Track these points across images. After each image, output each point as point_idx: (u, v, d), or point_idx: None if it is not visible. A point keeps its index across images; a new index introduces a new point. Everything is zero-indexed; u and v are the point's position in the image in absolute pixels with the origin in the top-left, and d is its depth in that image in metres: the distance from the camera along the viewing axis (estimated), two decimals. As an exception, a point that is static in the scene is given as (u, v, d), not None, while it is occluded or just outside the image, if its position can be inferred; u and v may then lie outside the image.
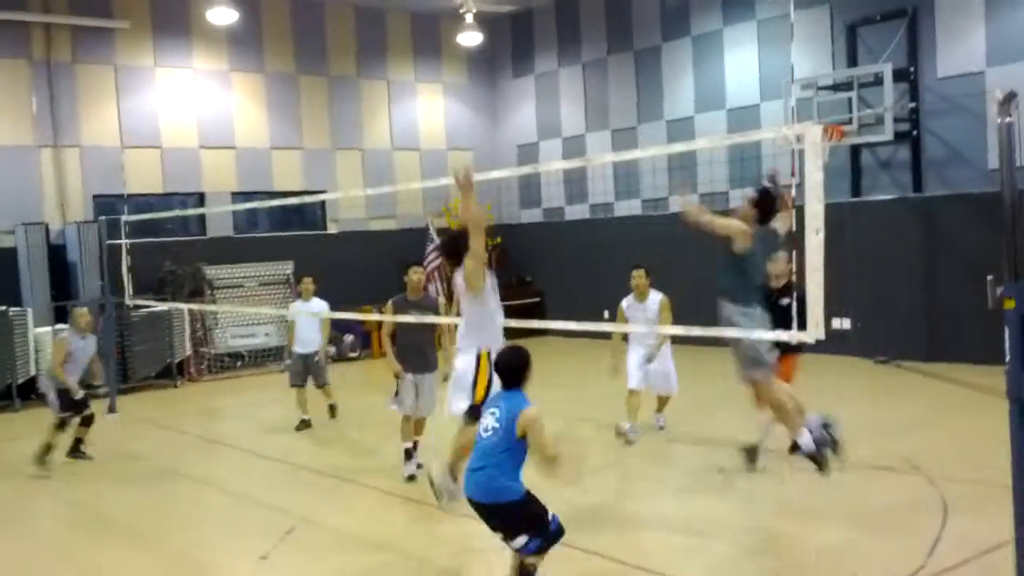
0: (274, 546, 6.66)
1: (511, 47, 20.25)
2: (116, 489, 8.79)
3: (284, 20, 18.12)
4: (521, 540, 4.96)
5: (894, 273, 13.50)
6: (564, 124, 19.16)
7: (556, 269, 18.66)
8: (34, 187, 15.48)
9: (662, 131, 17.13)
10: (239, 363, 16.28)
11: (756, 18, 15.68)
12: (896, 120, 13.21)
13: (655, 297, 9.19)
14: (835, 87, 14.03)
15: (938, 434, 9.27)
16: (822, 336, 5.26)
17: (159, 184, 16.65)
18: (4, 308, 13.31)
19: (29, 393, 12.98)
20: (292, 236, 17.50)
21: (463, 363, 6.34)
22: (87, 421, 9.70)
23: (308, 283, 11.14)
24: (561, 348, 15.42)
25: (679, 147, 8.19)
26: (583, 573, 5.91)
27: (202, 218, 16.91)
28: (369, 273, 16.08)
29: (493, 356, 5.86)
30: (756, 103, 15.64)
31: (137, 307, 13.33)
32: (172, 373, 14.96)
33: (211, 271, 16.05)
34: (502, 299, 6.81)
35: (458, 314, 6.79)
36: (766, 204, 7.02)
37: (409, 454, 8.33)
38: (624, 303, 9.32)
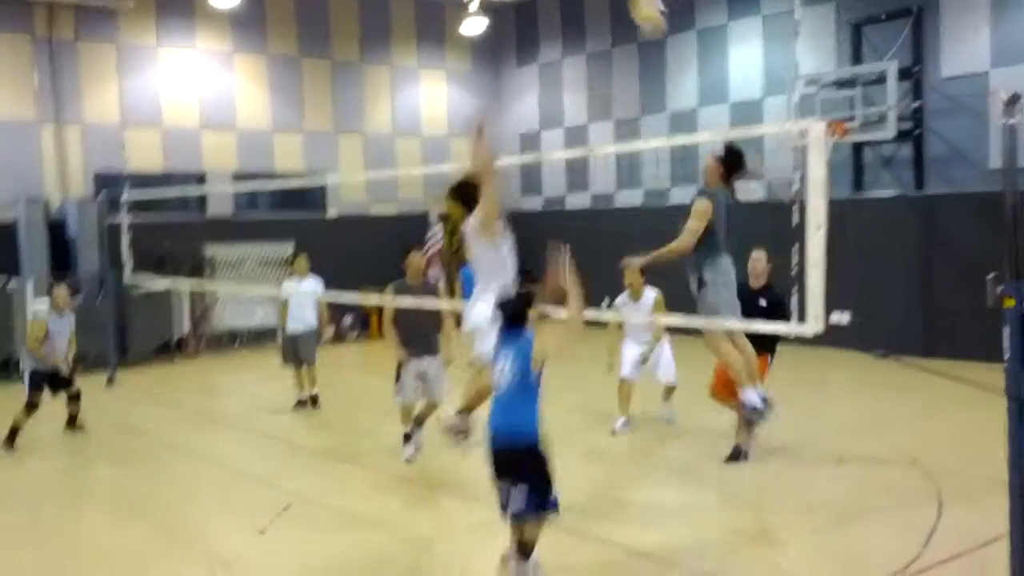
0: (271, 522, 6.69)
1: (515, 36, 20.21)
2: (112, 463, 8.83)
3: (288, 3, 18.06)
4: (522, 490, 4.93)
5: (893, 269, 13.54)
6: (567, 114, 19.15)
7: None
8: (35, 163, 15.44)
9: (665, 123, 17.13)
10: (237, 342, 16.30)
11: (761, 13, 15.68)
12: (899, 119, 13.25)
13: (650, 295, 9.14)
14: (839, 84, 14.04)
15: (936, 428, 9.34)
16: (820, 329, 5.29)
17: (160, 163, 16.64)
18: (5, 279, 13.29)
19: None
20: (292, 218, 17.47)
21: (481, 309, 6.00)
22: (75, 397, 9.71)
23: (302, 261, 11.01)
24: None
25: (681, 139, 8.31)
26: (584, 561, 5.96)
27: (202, 198, 16.89)
28: (368, 257, 16.07)
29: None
30: (759, 98, 15.66)
31: (136, 284, 13.32)
32: (171, 349, 14.98)
33: (211, 250, 16.05)
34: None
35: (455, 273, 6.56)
36: (732, 161, 7.06)
37: (408, 438, 8.34)
38: (619, 301, 9.28)
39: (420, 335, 8.35)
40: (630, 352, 9.23)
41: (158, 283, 13.32)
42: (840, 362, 12.70)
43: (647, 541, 6.25)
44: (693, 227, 6.84)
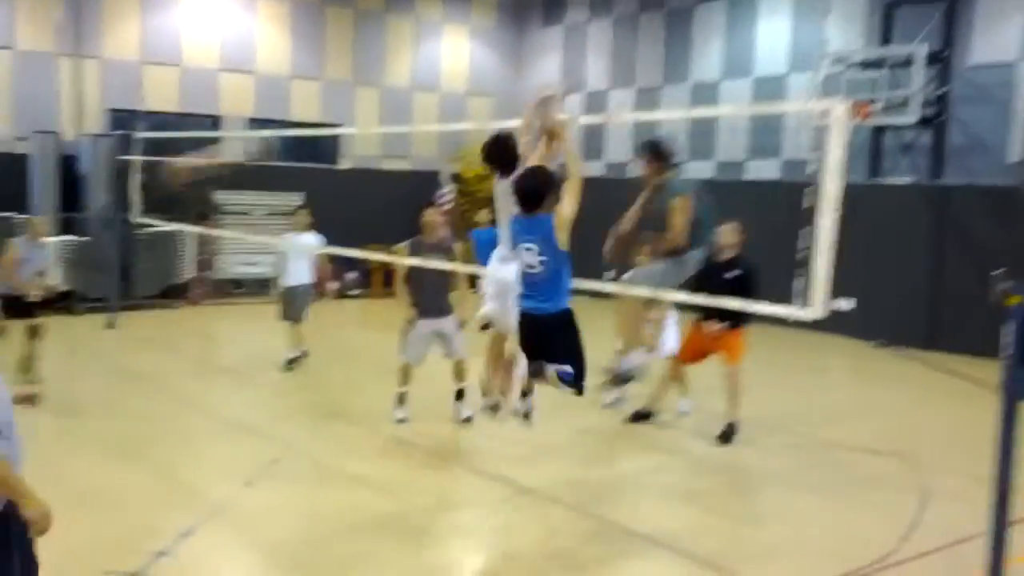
0: (258, 474, 6.72)
1: (542, -5, 19.93)
2: (107, 406, 8.86)
3: (314, -53, 17.87)
4: (555, 366, 5.10)
5: (901, 258, 13.35)
6: (589, 78, 18.92)
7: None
8: (51, 96, 15.41)
9: (687, 94, 16.91)
10: (239, 289, 16.32)
11: (793, -13, 15.40)
12: (923, 104, 13.03)
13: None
14: (865, 65, 13.79)
15: (927, 422, 9.28)
16: (821, 315, 5.21)
17: (176, 103, 16.56)
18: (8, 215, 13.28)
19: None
20: (303, 167, 17.37)
21: (506, 272, 5.37)
22: (34, 332, 9.10)
23: (302, 215, 10.79)
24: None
25: (703, 111, 8.23)
26: (580, 533, 5.98)
27: (215, 142, 16.78)
28: (376, 213, 16.03)
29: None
30: (784, 73, 15.40)
31: (143, 225, 13.30)
32: (174, 294, 15.01)
33: (220, 196, 15.99)
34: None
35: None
36: (661, 153, 7.45)
37: (402, 398, 8.32)
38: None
39: (432, 296, 8.17)
40: (669, 331, 8.92)
41: (165, 225, 13.28)
42: (838, 348, 12.63)
43: (638, 520, 6.25)
44: (680, 224, 7.17)
